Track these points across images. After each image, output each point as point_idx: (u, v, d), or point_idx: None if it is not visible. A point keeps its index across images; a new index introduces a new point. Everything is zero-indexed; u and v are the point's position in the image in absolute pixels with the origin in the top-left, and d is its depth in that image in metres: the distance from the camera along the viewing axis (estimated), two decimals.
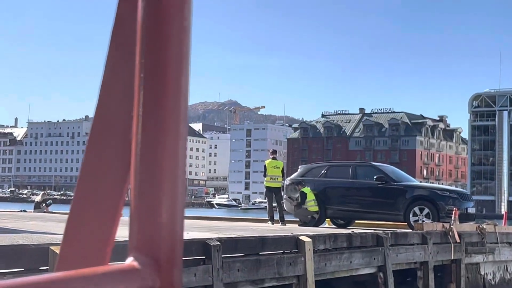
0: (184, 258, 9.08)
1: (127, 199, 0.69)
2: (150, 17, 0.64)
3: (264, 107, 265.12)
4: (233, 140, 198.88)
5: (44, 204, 29.72)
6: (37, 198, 37.24)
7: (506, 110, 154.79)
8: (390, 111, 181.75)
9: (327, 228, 17.07)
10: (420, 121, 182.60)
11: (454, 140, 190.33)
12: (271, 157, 20.09)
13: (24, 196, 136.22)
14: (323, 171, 18.97)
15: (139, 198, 0.63)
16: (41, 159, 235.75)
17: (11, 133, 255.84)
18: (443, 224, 16.29)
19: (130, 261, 0.63)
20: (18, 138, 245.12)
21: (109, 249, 0.71)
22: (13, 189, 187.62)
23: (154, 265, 0.64)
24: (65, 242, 0.73)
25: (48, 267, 7.90)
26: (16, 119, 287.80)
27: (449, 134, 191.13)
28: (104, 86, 0.72)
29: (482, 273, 17.06)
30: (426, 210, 16.99)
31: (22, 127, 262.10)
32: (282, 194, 18.91)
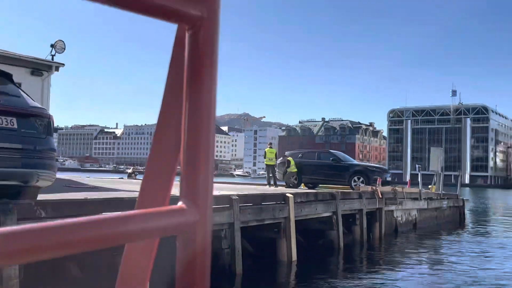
0: (216, 206, 10.75)
1: (178, 170, 0.79)
2: (192, 59, 0.72)
3: (265, 116, 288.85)
4: (246, 137, 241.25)
5: (133, 174, 33.52)
6: (129, 171, 41.51)
7: (409, 119, 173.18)
8: (340, 120, 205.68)
9: (302, 189, 18.45)
10: (358, 125, 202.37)
11: (378, 137, 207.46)
12: (269, 146, 21.42)
13: (122, 169, 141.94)
14: (299, 155, 20.85)
15: (186, 168, 0.73)
16: (131, 148, 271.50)
17: (114, 132, 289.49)
18: (371, 187, 18.23)
19: (180, 204, 0.71)
20: (118, 135, 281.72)
21: (168, 199, 0.81)
22: (115, 165, 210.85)
23: (195, 207, 0.72)
24: (141, 195, 0.81)
25: None
26: (117, 123, 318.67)
27: (375, 133, 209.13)
28: (165, 100, 0.80)
29: (395, 216, 19.12)
30: (361, 178, 18.96)
31: (120, 128, 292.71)
32: (275, 169, 20.28)
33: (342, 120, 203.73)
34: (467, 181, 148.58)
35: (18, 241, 0.47)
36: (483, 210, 39.27)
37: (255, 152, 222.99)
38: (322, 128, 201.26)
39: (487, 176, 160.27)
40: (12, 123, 5.45)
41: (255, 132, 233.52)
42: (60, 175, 21.18)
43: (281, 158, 20.91)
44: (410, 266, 13.00)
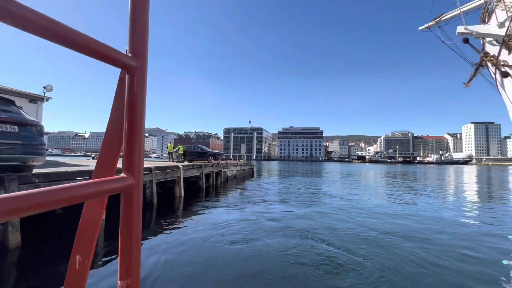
0: (144, 173, 9.89)
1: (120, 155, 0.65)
2: (130, 92, 0.60)
3: (167, 129, 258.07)
4: (157, 139, 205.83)
5: (95, 157, 25.94)
6: (93, 155, 32.72)
7: (232, 132, 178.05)
8: (202, 131, 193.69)
9: (187, 163, 17.31)
10: (210, 134, 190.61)
11: (219, 140, 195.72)
12: (170, 143, 19.79)
13: (88, 155, 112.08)
14: (185, 147, 19.23)
15: (126, 153, 0.60)
16: (94, 144, 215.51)
17: (83, 135, 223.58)
18: (217, 161, 18.11)
19: (122, 174, 0.59)
20: (86, 137, 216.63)
21: (114, 171, 0.66)
22: (84, 152, 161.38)
23: (132, 175, 0.60)
24: (96, 169, 0.66)
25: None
26: (85, 130, 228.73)
27: (218, 137, 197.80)
28: (112, 115, 0.65)
29: (227, 173, 18.91)
30: (213, 157, 18.63)
31: (88, 133, 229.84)
32: (173, 154, 18.85)
33: (204, 132, 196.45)
34: (254, 157, 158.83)
35: (14, 202, 0.41)
36: (260, 169, 39.91)
37: (162, 146, 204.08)
38: (195, 135, 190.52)
39: (261, 155, 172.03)
40: (14, 129, 4.69)
41: (162, 137, 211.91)
42: (49, 158, 17.19)
43: (176, 148, 19.50)
44: (233, 192, 13.04)
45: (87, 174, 6.81)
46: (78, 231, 0.67)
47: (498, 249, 5.34)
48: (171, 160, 18.91)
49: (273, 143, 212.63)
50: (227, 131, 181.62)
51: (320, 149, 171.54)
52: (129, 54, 0.62)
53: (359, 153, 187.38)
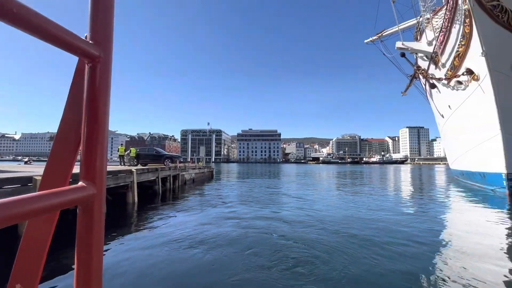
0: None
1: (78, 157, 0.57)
2: (91, 86, 0.52)
3: (117, 130, 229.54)
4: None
5: (28, 162, 24.45)
6: (26, 159, 29.47)
7: (190, 134, 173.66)
8: (158, 133, 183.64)
9: (141, 167, 16.47)
10: (167, 136, 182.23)
11: (176, 142, 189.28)
12: (121, 145, 18.07)
13: (19, 159, 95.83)
14: (138, 149, 17.86)
15: (85, 157, 0.51)
16: (26, 146, 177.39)
17: (13, 137, 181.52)
18: (175, 164, 17.40)
19: (80, 183, 0.51)
20: (17, 139, 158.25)
21: (68, 179, 0.57)
22: (14, 156, 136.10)
23: (93, 184, 0.51)
24: (44, 179, 0.56)
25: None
26: (15, 131, 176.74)
27: (175, 140, 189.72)
28: (66, 112, 0.57)
29: (185, 177, 18.22)
30: (170, 160, 17.60)
31: (18, 134, 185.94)
32: (124, 157, 17.45)
33: (159, 133, 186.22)
34: (213, 160, 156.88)
35: None
36: (219, 171, 40.19)
37: (111, 148, 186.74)
38: (149, 137, 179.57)
39: (220, 157, 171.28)
40: None
41: (111, 139, 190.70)
42: None
43: (128, 151, 17.99)
44: (192, 195, 12.67)
45: (20, 181, 5.91)
46: (18, 254, 0.55)
47: (425, 230, 6.17)
48: (122, 164, 17.54)
49: (233, 145, 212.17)
50: (184, 133, 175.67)
51: (278, 151, 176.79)
52: (91, 42, 0.53)
53: (313, 154, 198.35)
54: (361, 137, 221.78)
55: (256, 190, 16.08)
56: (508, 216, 8.33)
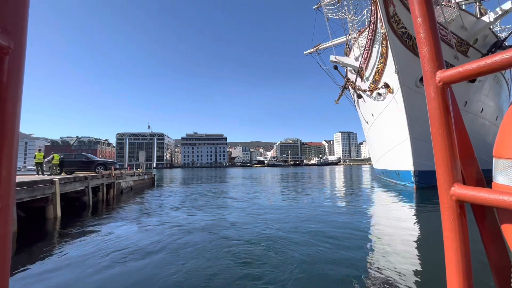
0: None
1: None
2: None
3: (34, 133, 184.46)
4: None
5: None
6: None
7: (127, 138, 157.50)
8: (88, 137, 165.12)
9: (66, 176, 14.47)
10: (99, 140, 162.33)
11: (110, 146, 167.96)
12: (38, 151, 15.28)
13: None
14: (62, 156, 15.47)
15: None
16: None
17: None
18: (109, 172, 15.79)
19: None
20: None
21: None
22: None
23: None
24: None
25: None
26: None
27: (109, 144, 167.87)
28: None
29: (122, 185, 16.73)
30: (103, 167, 15.93)
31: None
32: (43, 164, 14.84)
33: (89, 137, 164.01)
34: (154, 165, 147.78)
35: None
36: (161, 177, 38.79)
37: (25, 155, 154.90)
38: (77, 142, 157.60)
39: (163, 163, 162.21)
40: None
41: (25, 143, 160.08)
42: None
43: (49, 157, 15.34)
44: (130, 205, 11.66)
45: None
46: None
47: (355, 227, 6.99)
48: (40, 173, 14.91)
49: (176, 149, 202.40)
50: (121, 137, 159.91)
51: (224, 155, 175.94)
52: None
53: (259, 158, 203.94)
54: (302, 141, 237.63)
55: (201, 195, 15.67)
56: (414, 205, 10.26)
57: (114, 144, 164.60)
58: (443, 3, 14.61)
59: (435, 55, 0.86)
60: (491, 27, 19.14)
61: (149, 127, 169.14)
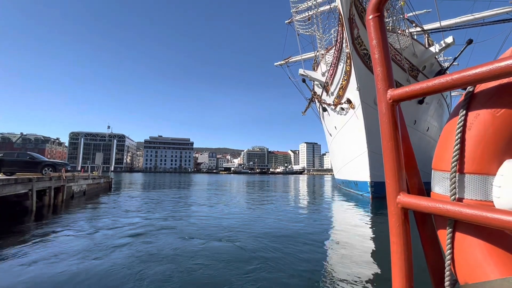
0: None
1: None
2: None
3: (109, 127, 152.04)
4: None
5: None
6: None
7: (83, 137, 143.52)
8: (34, 134, 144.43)
9: (4, 176, 12.82)
10: (48, 138, 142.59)
11: (62, 146, 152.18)
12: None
13: None
14: (1, 154, 13.77)
15: None
16: None
17: None
18: (58, 174, 14.35)
19: None
20: None
21: None
22: None
23: None
24: None
25: None
26: None
27: (60, 144, 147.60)
28: None
29: (73, 189, 15.37)
30: (51, 168, 14.46)
31: None
32: None
33: (36, 135, 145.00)
34: (112, 169, 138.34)
35: None
36: (119, 182, 36.37)
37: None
38: (21, 139, 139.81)
39: (122, 166, 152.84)
40: None
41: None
42: None
43: None
44: (81, 211, 10.65)
45: None
46: None
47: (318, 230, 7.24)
48: None
49: (138, 153, 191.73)
50: (75, 136, 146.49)
51: (190, 161, 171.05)
52: None
53: (226, 164, 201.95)
54: (269, 150, 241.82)
55: (161, 200, 14.95)
56: (369, 214, 11.01)
57: (67, 144, 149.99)
58: (399, 32, 16.27)
59: (387, 75, 0.95)
60: (437, 57, 21.83)
61: (108, 127, 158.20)
